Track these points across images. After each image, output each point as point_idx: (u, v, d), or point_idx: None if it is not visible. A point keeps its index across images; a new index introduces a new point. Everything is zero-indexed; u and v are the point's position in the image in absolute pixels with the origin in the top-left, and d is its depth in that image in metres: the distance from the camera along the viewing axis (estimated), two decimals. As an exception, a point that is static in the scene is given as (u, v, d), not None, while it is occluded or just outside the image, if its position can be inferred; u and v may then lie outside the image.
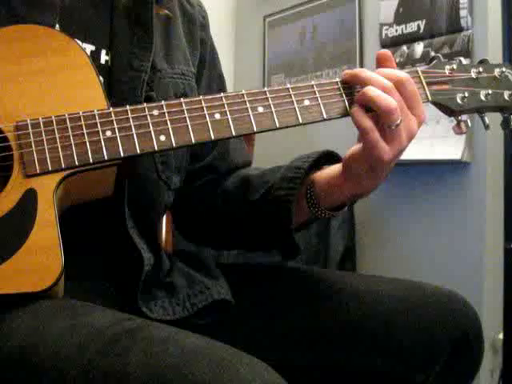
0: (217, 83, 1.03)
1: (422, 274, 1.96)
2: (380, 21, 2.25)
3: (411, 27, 2.14)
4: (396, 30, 2.19)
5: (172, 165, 0.89)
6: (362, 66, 2.33)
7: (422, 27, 2.11)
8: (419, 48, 2.11)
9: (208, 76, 1.01)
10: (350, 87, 0.82)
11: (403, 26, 2.17)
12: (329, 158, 0.92)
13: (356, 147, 0.82)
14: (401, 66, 2.14)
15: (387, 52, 0.86)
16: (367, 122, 0.78)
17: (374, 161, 0.79)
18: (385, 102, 0.77)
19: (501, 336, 1.70)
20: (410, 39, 2.14)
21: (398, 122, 0.77)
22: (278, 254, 0.98)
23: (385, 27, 2.23)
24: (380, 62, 0.85)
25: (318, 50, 2.53)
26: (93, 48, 0.84)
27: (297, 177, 0.88)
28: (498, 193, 1.74)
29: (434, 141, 1.99)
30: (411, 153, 2.03)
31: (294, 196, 0.87)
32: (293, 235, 0.90)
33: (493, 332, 1.76)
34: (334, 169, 0.87)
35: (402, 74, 0.80)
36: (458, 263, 1.96)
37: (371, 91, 0.78)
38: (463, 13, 1.98)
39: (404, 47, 2.16)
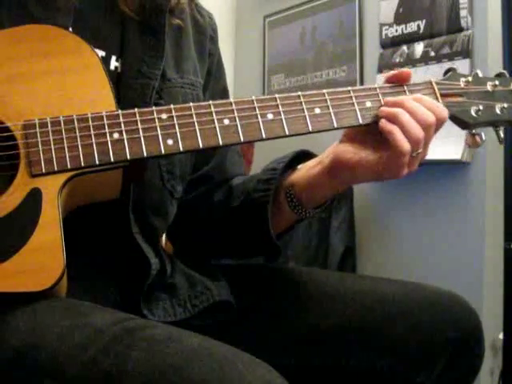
0: (220, 96, 1.02)
1: (421, 275, 1.97)
2: (380, 21, 2.25)
3: (411, 27, 2.15)
4: (396, 30, 2.19)
5: (177, 174, 0.89)
6: (361, 66, 2.34)
7: (421, 27, 2.11)
8: (419, 48, 2.11)
9: (212, 89, 1.00)
10: (363, 97, 0.82)
11: (403, 26, 2.17)
12: (304, 157, 0.92)
13: (359, 155, 0.81)
14: (401, 66, 2.14)
15: (410, 72, 0.85)
16: (408, 145, 0.78)
17: (388, 177, 0.81)
18: (415, 132, 0.78)
19: (501, 336, 1.70)
20: (410, 39, 2.14)
21: (420, 151, 0.79)
22: (262, 258, 0.98)
23: (385, 27, 2.23)
24: (396, 78, 0.85)
25: (317, 50, 2.53)
26: (103, 54, 0.84)
27: (272, 178, 0.89)
28: (498, 193, 1.74)
29: (434, 141, 1.98)
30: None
31: (270, 197, 0.88)
32: (271, 237, 0.90)
33: (493, 332, 1.76)
34: (314, 168, 0.87)
35: (442, 115, 0.81)
36: (458, 263, 1.96)
37: (406, 117, 0.78)
38: (463, 13, 1.98)
39: (404, 47, 2.16)
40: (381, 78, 2.18)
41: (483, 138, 0.87)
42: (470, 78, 0.87)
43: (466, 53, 1.96)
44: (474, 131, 0.87)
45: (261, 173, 0.92)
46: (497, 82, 0.87)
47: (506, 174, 1.66)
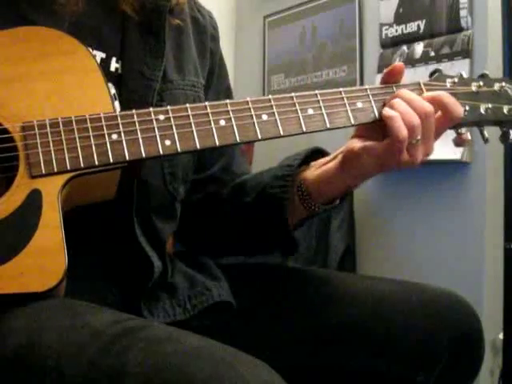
0: (224, 96, 1.02)
1: (421, 274, 1.97)
2: (380, 21, 2.25)
3: (411, 27, 2.15)
4: (396, 30, 2.19)
5: (179, 176, 0.89)
6: (361, 66, 2.34)
7: (421, 27, 2.11)
8: (419, 48, 2.11)
9: (216, 88, 1.00)
10: (353, 98, 0.83)
11: (403, 26, 2.17)
12: (317, 154, 0.93)
13: (364, 143, 0.83)
14: (401, 66, 2.15)
15: (402, 65, 0.87)
16: (404, 131, 0.79)
17: (390, 163, 0.82)
18: (411, 118, 0.80)
19: (501, 336, 1.70)
20: (410, 39, 2.14)
21: (418, 138, 0.80)
22: (277, 253, 0.99)
23: (385, 27, 2.23)
24: (392, 74, 0.86)
25: (317, 50, 2.53)
26: (103, 55, 0.84)
27: (288, 174, 0.89)
28: (498, 193, 1.74)
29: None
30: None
31: (287, 193, 0.89)
32: (290, 231, 0.91)
33: (493, 332, 1.76)
34: (326, 164, 0.88)
35: (456, 109, 0.83)
36: (458, 263, 1.96)
37: (403, 105, 0.81)
38: (463, 13, 1.98)
39: (404, 47, 2.16)
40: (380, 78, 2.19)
41: (469, 137, 0.89)
42: (455, 79, 0.88)
43: (465, 53, 1.96)
44: (460, 130, 0.88)
45: (276, 169, 0.93)
46: (481, 83, 0.88)
47: (506, 174, 1.66)
